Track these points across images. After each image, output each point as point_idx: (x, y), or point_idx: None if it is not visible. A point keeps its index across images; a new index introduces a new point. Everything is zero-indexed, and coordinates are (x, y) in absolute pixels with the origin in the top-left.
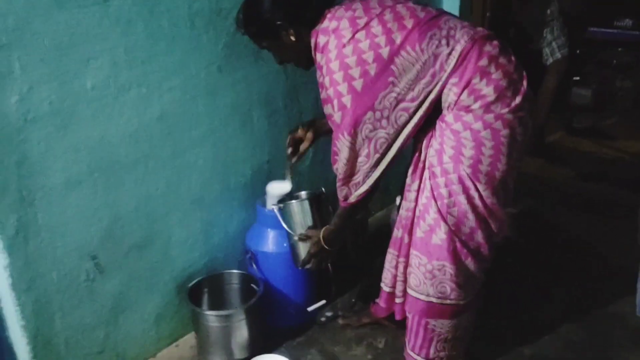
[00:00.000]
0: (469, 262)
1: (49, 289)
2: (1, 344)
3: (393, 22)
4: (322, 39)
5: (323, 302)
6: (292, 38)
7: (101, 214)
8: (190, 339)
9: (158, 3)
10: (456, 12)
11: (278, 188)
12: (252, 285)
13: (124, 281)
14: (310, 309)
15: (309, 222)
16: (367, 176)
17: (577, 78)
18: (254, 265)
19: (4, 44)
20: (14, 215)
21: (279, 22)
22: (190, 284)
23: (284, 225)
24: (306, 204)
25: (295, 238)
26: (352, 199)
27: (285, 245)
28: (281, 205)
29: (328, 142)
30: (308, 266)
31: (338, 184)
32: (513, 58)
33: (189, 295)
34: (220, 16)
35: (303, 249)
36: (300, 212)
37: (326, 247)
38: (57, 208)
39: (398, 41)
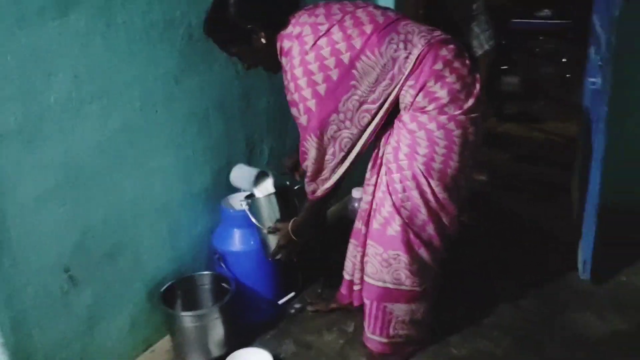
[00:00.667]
0: (422, 252)
1: (25, 304)
2: None
3: (353, 28)
4: (286, 44)
5: (292, 294)
6: (263, 41)
7: (72, 227)
8: (164, 343)
9: (114, 16)
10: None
11: (250, 179)
12: (222, 284)
13: (97, 292)
14: (281, 301)
15: (277, 216)
16: (333, 172)
17: (505, 67)
18: (223, 265)
19: None
20: None
21: (249, 26)
22: (163, 289)
23: (253, 219)
24: (273, 198)
25: (265, 231)
26: (319, 192)
27: (252, 242)
28: (249, 200)
29: (283, 143)
30: (278, 257)
31: (306, 180)
32: (467, 62)
33: (162, 299)
34: (174, 26)
35: (272, 241)
36: (268, 206)
37: (294, 238)
38: (29, 223)
39: (358, 46)
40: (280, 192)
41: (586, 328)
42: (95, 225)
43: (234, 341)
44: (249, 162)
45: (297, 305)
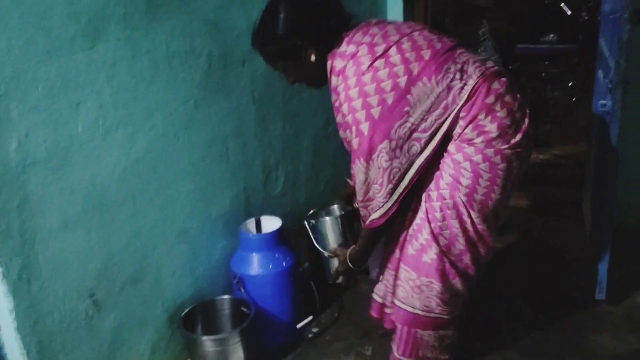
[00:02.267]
0: (456, 282)
1: (51, 329)
2: None
3: (411, 51)
4: (339, 63)
5: (310, 318)
6: (313, 58)
7: (96, 252)
8: None
9: (139, 46)
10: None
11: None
12: (242, 308)
13: (119, 316)
14: (299, 325)
15: (340, 239)
16: (381, 205)
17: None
18: (242, 289)
19: (3, 92)
20: (18, 259)
21: (300, 43)
22: (183, 313)
23: (314, 241)
24: (338, 221)
25: (325, 254)
26: (369, 221)
27: (270, 267)
28: (313, 221)
29: (298, 169)
30: (338, 281)
31: (359, 205)
32: (518, 96)
33: (182, 323)
34: (194, 55)
35: (332, 265)
36: (332, 229)
37: (351, 266)
38: (55, 249)
39: (415, 72)
40: (345, 216)
41: (602, 348)
42: (118, 250)
43: None
44: (265, 188)
45: (315, 329)
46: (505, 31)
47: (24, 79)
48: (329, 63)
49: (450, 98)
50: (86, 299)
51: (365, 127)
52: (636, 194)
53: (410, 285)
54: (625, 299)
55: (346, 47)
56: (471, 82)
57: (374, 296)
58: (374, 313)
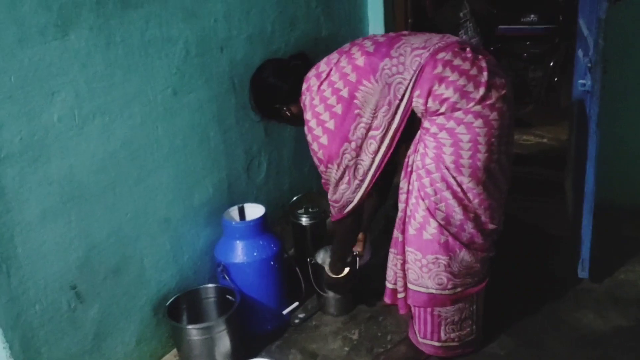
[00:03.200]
0: (464, 254)
1: (33, 323)
2: None
3: (347, 65)
4: (302, 99)
5: (296, 304)
6: (288, 114)
7: (77, 244)
8: (170, 357)
9: (113, 34)
10: (381, 22)
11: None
12: (227, 296)
13: (103, 308)
14: (285, 312)
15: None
16: (348, 201)
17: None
18: (227, 277)
19: None
20: None
21: (277, 105)
22: (168, 302)
23: (312, 280)
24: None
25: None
26: (343, 212)
27: (254, 254)
28: (315, 261)
29: (281, 156)
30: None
31: (329, 201)
32: (469, 55)
33: (167, 313)
34: (171, 43)
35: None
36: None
37: (333, 276)
38: (35, 241)
39: (354, 79)
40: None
41: (587, 325)
42: (100, 241)
43: (240, 353)
44: (248, 175)
45: (301, 315)
46: (486, 12)
47: None
48: (301, 103)
49: (391, 93)
50: (68, 291)
51: (324, 139)
52: (617, 172)
53: (418, 265)
54: (607, 277)
55: (304, 85)
56: (407, 75)
57: (386, 283)
58: (386, 299)
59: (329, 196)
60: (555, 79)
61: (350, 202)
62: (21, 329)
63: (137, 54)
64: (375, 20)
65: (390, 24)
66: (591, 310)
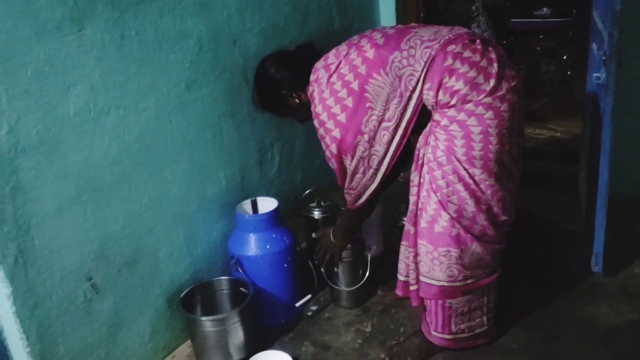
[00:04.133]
0: (475, 246)
1: (50, 313)
2: None
3: (357, 57)
4: (310, 90)
5: (309, 296)
6: (297, 101)
7: (92, 235)
8: (184, 348)
9: (128, 28)
10: (393, 15)
11: None
12: (240, 288)
13: (118, 299)
14: (298, 304)
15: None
16: (365, 188)
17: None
18: (240, 270)
19: None
20: (13, 244)
21: (284, 92)
22: (182, 294)
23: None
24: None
25: (313, 235)
26: (359, 202)
27: (267, 247)
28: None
29: (294, 149)
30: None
31: (345, 194)
32: (479, 47)
33: (181, 305)
34: (185, 37)
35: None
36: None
37: (334, 241)
38: (51, 233)
39: (364, 72)
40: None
41: (600, 319)
42: (114, 233)
43: (254, 344)
44: (261, 168)
45: (314, 307)
46: (499, 6)
47: (12, 63)
48: (308, 95)
49: (402, 86)
50: (84, 282)
51: (337, 132)
52: (631, 166)
53: (429, 258)
54: (621, 271)
55: (312, 76)
56: (418, 67)
57: (398, 275)
58: (398, 292)
59: (345, 188)
60: (569, 73)
61: (367, 189)
62: (38, 319)
63: (151, 47)
64: (387, 14)
65: (402, 18)
66: (605, 304)
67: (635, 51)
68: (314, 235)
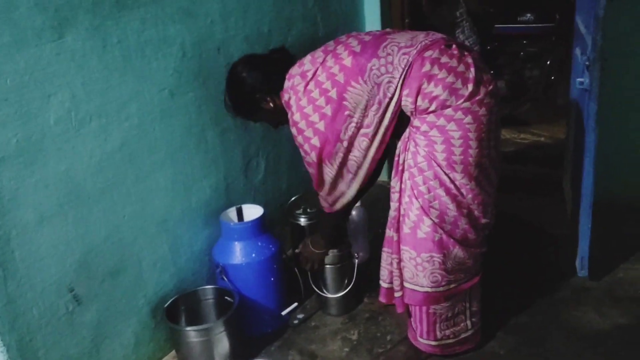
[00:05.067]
0: (457, 251)
1: (31, 326)
2: None
3: (334, 65)
4: (285, 97)
5: (295, 304)
6: (271, 105)
7: (74, 246)
8: (169, 359)
9: (110, 36)
10: (378, 21)
11: None
12: (226, 297)
13: (101, 310)
14: (284, 312)
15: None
16: (342, 193)
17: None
18: (225, 279)
19: None
20: None
21: (257, 95)
22: (166, 304)
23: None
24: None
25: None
26: (334, 207)
27: (253, 255)
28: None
29: (279, 156)
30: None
31: (321, 199)
32: (455, 52)
33: (166, 315)
34: (167, 44)
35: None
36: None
37: (313, 249)
38: (32, 244)
39: (342, 80)
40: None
41: (586, 324)
42: (97, 244)
43: (239, 354)
44: (246, 176)
45: (300, 316)
46: (483, 12)
47: None
48: (283, 101)
49: (381, 93)
50: (66, 294)
51: (316, 141)
52: (616, 169)
53: (412, 264)
54: (607, 275)
55: (287, 83)
56: (397, 74)
57: (381, 282)
58: (382, 299)
59: (323, 194)
60: (553, 78)
61: (343, 194)
62: (18, 332)
63: (133, 55)
64: (372, 20)
65: (387, 24)
66: (591, 308)
67: (618, 56)
68: (296, 251)
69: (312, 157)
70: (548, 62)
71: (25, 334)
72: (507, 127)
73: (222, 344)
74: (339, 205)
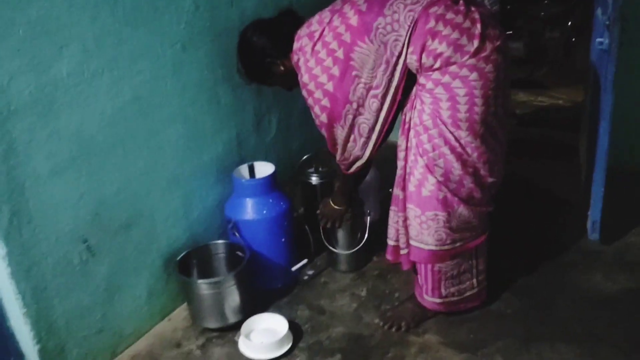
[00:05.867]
0: (462, 209)
1: (45, 274)
2: (3, 333)
3: (340, 24)
4: (294, 59)
5: (305, 261)
6: (282, 68)
7: (87, 198)
8: (180, 312)
9: None
10: None
11: None
12: (237, 252)
13: (114, 262)
14: (294, 268)
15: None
16: (357, 157)
17: (510, 32)
18: (237, 234)
19: None
20: (7, 206)
21: (268, 59)
22: (179, 258)
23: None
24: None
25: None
26: (352, 169)
27: (264, 211)
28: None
29: (291, 114)
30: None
31: (337, 161)
32: (462, 8)
33: (178, 268)
34: None
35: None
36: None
37: (334, 206)
38: (45, 195)
39: (348, 40)
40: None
41: (595, 287)
42: (109, 196)
43: (250, 307)
44: (258, 133)
45: (310, 272)
46: None
47: (3, 22)
48: (293, 63)
49: (388, 52)
50: (79, 245)
51: (326, 102)
52: (631, 136)
53: (417, 222)
54: (617, 239)
55: (296, 44)
56: (403, 32)
57: (387, 240)
58: (389, 256)
59: (337, 157)
60: (573, 40)
61: (359, 158)
62: (33, 281)
63: (145, 8)
64: None
65: None
66: (600, 272)
67: (639, 17)
68: (318, 212)
69: (323, 118)
70: (569, 24)
71: (40, 282)
72: (526, 90)
73: (233, 297)
74: (355, 168)
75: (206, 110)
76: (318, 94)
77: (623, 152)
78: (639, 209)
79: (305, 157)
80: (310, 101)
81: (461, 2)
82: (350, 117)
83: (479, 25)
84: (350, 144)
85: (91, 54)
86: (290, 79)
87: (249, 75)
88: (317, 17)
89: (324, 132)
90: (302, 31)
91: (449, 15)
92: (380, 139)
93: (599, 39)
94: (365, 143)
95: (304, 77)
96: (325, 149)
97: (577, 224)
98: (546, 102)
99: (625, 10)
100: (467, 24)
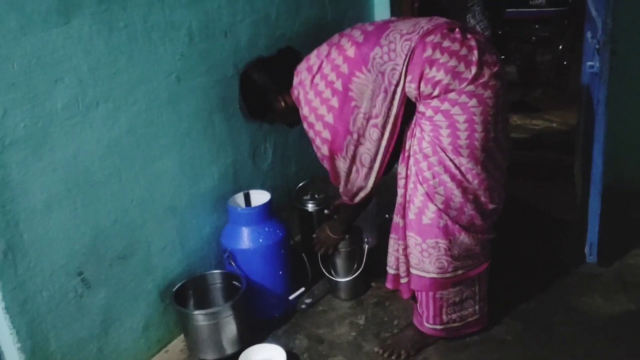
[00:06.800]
0: (463, 237)
1: (41, 308)
2: None
3: (338, 56)
4: (295, 93)
5: (302, 289)
6: (283, 104)
7: (83, 230)
8: (178, 343)
9: (116, 20)
10: (387, 6)
11: None
12: (234, 282)
13: (110, 294)
14: (291, 297)
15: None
16: (360, 187)
17: (502, 57)
18: (233, 263)
19: None
20: (2, 239)
21: (269, 96)
22: (175, 288)
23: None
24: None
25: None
26: (355, 200)
27: (260, 240)
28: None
29: (287, 141)
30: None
31: (341, 192)
32: (458, 35)
33: (174, 299)
34: (174, 28)
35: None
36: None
37: (331, 235)
38: (41, 228)
39: (346, 71)
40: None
41: (595, 310)
42: (105, 228)
43: (247, 338)
44: (254, 161)
45: (308, 300)
46: None
47: None
48: (294, 98)
49: (386, 81)
50: (75, 277)
51: (327, 134)
52: (626, 155)
53: (418, 250)
54: (616, 260)
55: (296, 79)
56: (400, 61)
57: (387, 269)
58: (388, 285)
59: (341, 188)
60: (565, 62)
61: (363, 189)
62: (28, 315)
63: (140, 39)
64: (381, 4)
65: (397, 8)
66: (600, 294)
67: (629, 40)
68: (314, 235)
69: (324, 150)
70: (560, 47)
71: (35, 317)
72: (519, 113)
73: (230, 328)
74: (359, 198)
75: (202, 139)
76: (318, 126)
77: (618, 172)
78: (635, 229)
79: (301, 184)
80: (311, 134)
81: (457, 30)
82: (351, 147)
83: (476, 52)
84: (352, 175)
85: (86, 85)
86: (292, 115)
87: (251, 112)
88: (315, 51)
89: (326, 164)
90: (301, 66)
91: (446, 43)
92: (382, 168)
93: (589, 63)
94: (368, 173)
95: (304, 110)
96: (322, 176)
97: (575, 246)
98: (540, 124)
99: (615, 33)
100: (464, 51)
